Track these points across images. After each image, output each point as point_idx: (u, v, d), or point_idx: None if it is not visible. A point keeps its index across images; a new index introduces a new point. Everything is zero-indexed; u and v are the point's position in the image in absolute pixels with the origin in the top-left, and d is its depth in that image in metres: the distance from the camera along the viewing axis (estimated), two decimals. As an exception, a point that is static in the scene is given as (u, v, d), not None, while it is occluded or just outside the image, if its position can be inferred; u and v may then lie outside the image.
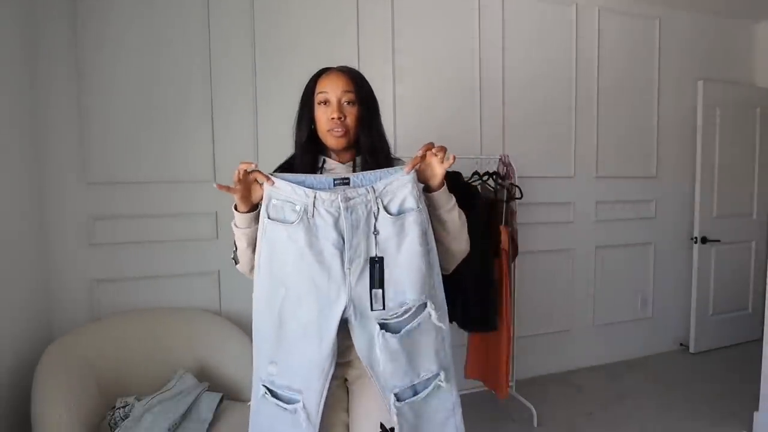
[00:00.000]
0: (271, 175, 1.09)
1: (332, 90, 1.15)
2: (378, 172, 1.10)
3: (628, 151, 3.28)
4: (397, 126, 2.62)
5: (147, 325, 2.05)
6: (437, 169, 1.11)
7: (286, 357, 1.09)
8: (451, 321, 2.22)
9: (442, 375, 1.11)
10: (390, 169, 1.11)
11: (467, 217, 1.20)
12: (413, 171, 1.09)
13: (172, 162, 2.25)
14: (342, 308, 1.05)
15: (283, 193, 1.08)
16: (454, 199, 1.16)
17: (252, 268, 1.15)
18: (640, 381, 3.02)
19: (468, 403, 2.43)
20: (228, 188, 1.09)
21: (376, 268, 1.06)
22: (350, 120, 1.15)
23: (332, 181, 1.09)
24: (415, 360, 1.10)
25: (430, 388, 1.12)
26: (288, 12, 2.43)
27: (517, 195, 2.40)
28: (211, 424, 1.72)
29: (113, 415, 1.69)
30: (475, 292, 2.23)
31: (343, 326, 1.07)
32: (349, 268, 1.05)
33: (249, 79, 2.37)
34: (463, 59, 2.81)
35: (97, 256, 2.16)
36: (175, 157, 2.26)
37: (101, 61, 2.13)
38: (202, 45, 2.28)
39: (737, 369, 3.13)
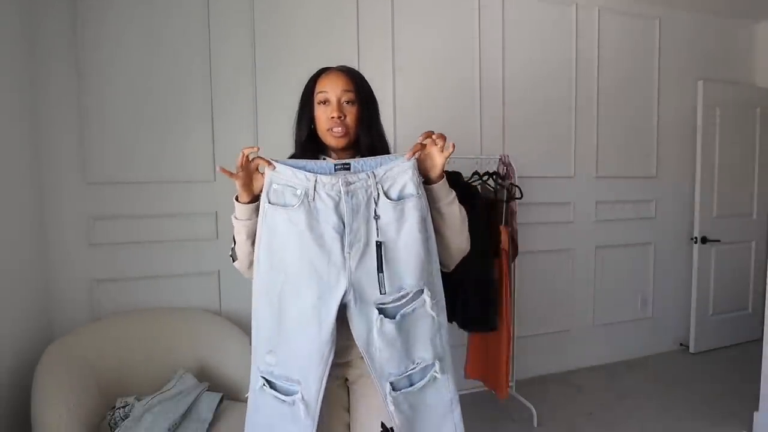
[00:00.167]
0: (273, 160, 1.10)
1: (332, 89, 1.16)
2: (379, 158, 1.12)
3: (628, 151, 3.28)
4: (397, 126, 2.62)
5: (147, 325, 2.05)
6: (437, 159, 1.11)
7: (286, 344, 1.09)
8: (451, 321, 2.26)
9: (437, 365, 1.11)
10: (391, 156, 1.12)
11: (467, 217, 1.20)
12: (414, 158, 1.09)
13: (172, 162, 2.25)
14: (342, 293, 1.05)
15: (284, 178, 1.08)
16: (454, 193, 1.16)
17: (250, 264, 1.15)
18: (640, 381, 3.02)
19: (468, 403, 2.45)
20: (230, 173, 1.09)
21: (379, 252, 1.06)
22: (350, 119, 1.16)
23: (333, 166, 1.10)
24: (410, 347, 1.10)
25: (426, 379, 1.12)
26: (288, 12, 2.43)
27: (517, 195, 2.41)
28: (211, 424, 1.72)
29: (113, 415, 1.69)
30: (475, 292, 2.23)
31: (342, 322, 1.07)
32: (349, 252, 1.06)
33: (249, 79, 2.37)
34: (464, 59, 2.81)
35: (97, 256, 2.16)
36: (175, 157, 2.26)
37: (101, 61, 2.13)
38: (202, 45, 2.29)
39: (737, 369, 3.13)
